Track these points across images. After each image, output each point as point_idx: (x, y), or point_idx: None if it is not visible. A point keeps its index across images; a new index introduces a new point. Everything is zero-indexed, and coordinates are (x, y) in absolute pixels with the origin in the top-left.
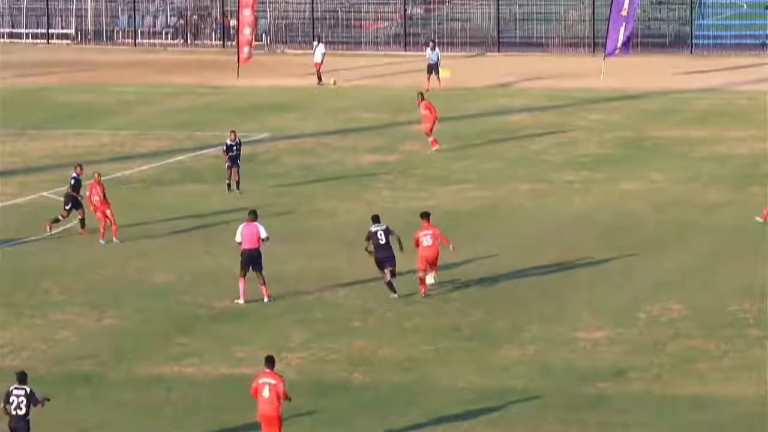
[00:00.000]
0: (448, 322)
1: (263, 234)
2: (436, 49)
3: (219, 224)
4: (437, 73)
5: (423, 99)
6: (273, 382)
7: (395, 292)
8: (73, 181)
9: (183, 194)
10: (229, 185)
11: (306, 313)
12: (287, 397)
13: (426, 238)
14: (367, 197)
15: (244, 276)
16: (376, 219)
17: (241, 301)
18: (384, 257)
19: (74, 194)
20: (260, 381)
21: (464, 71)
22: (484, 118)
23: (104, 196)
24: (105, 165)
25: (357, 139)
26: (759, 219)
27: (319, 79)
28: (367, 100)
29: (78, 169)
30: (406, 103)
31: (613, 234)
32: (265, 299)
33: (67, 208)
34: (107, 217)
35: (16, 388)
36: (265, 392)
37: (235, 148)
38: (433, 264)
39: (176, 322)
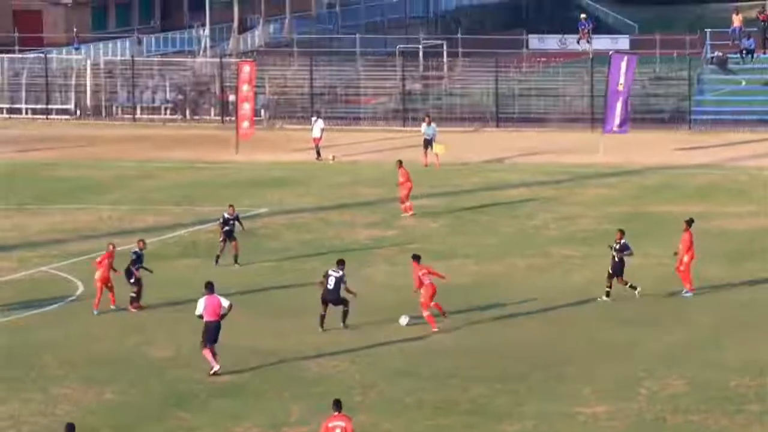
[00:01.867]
0: (447, 398)
1: (225, 303)
2: (432, 124)
3: None
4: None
5: (401, 166)
6: (342, 424)
7: (343, 323)
8: (134, 256)
9: (182, 269)
10: (217, 258)
11: (305, 387)
12: None
13: (426, 277)
14: (365, 272)
15: (211, 347)
16: (339, 263)
17: (216, 367)
18: (330, 299)
19: (133, 268)
20: (330, 425)
21: (463, 146)
22: (482, 193)
23: (110, 267)
24: (104, 239)
25: (355, 214)
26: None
27: (318, 154)
28: (365, 175)
29: (140, 243)
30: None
31: (612, 309)
32: (215, 368)
33: (132, 281)
34: (108, 287)
35: None
36: None
37: (231, 222)
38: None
39: (174, 397)
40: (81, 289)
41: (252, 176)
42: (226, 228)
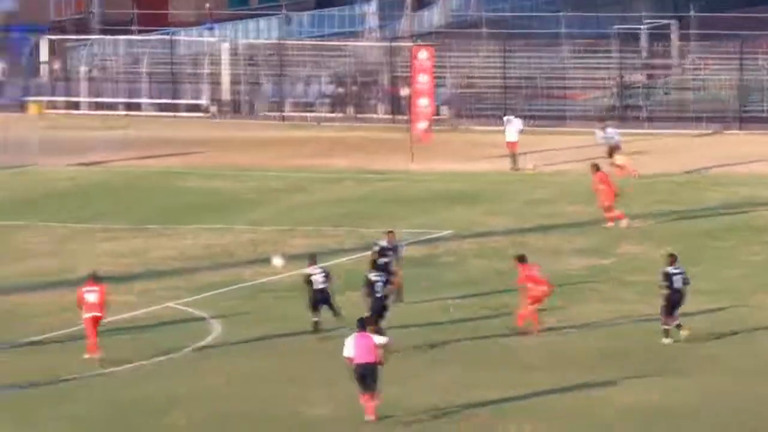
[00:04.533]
0: None
1: (381, 340)
2: (610, 129)
3: None
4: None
5: (597, 170)
6: None
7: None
8: (327, 277)
9: (343, 305)
10: None
11: None
12: None
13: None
14: (574, 310)
15: (366, 394)
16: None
17: (371, 417)
18: (380, 306)
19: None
20: None
21: (697, 153)
22: (722, 212)
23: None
24: (244, 268)
25: (562, 238)
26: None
27: (514, 162)
28: (573, 189)
29: (311, 260)
30: (623, 193)
31: None
32: (368, 417)
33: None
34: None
35: None
36: None
37: (390, 253)
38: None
39: None
40: (216, 329)
41: (431, 190)
42: (383, 260)
